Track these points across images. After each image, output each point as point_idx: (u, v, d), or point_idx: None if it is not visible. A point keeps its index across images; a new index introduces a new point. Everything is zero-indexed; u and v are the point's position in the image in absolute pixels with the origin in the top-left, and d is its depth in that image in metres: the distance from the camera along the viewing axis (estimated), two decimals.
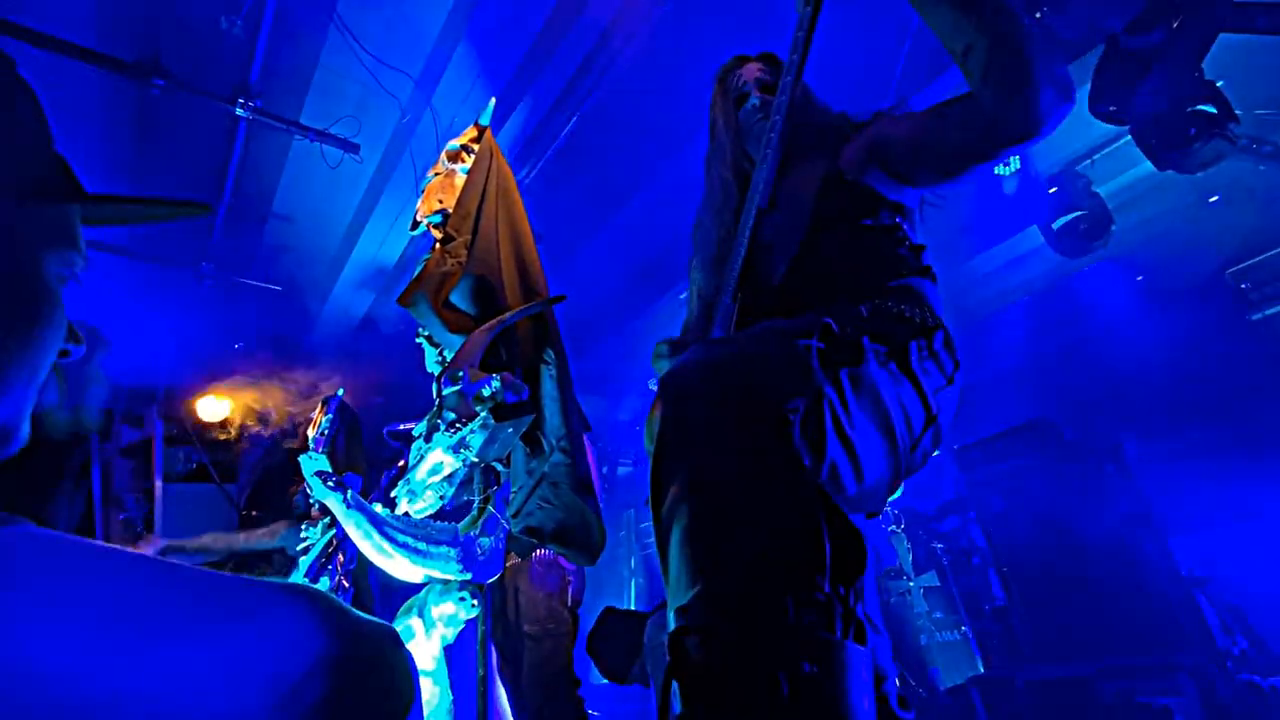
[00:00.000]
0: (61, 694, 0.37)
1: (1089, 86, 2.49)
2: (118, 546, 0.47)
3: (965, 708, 3.11)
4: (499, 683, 1.99)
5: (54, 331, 0.53)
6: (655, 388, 0.83)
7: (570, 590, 2.53)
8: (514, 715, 2.49)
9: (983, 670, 3.55)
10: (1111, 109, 2.43)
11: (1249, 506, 3.51)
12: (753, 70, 1.35)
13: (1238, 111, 2.66)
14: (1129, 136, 3.46)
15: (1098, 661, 2.84)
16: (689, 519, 0.69)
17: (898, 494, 1.12)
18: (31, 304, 0.51)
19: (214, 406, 4.88)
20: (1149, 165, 2.64)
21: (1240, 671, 2.91)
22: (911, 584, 4.27)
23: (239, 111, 2.94)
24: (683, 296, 4.65)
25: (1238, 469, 3.61)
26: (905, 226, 1.15)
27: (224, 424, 4.93)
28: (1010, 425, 3.55)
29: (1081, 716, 2.76)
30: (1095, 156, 3.83)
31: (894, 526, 4.40)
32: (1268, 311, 3.43)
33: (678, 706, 0.63)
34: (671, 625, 0.66)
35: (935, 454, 1.03)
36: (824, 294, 1.04)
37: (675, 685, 0.63)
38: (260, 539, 3.29)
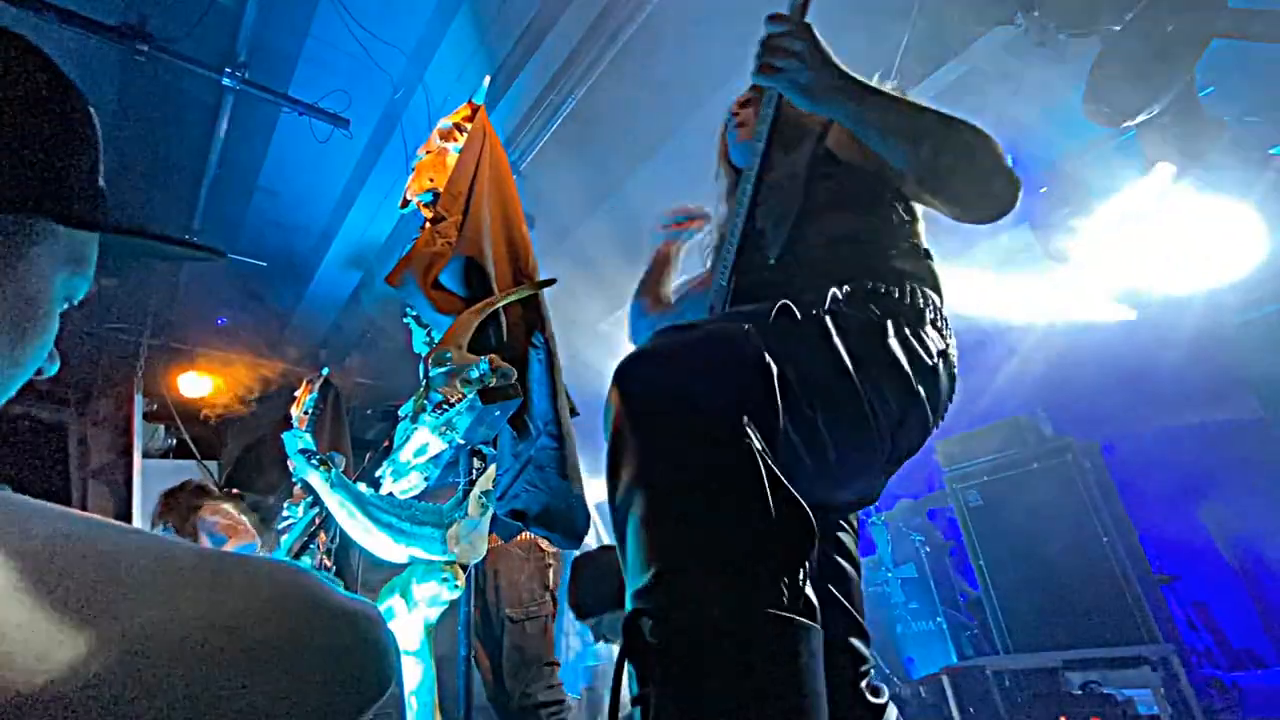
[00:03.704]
0: (24, 658, 0.36)
1: (1083, 86, 2.50)
2: (94, 515, 0.46)
3: (937, 696, 3.19)
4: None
5: (41, 352, 0.53)
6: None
7: (551, 574, 2.55)
8: (492, 696, 2.51)
9: (955, 660, 3.63)
10: (1104, 110, 2.45)
11: (1220, 506, 3.60)
12: (733, 105, 1.42)
13: (1225, 118, 2.69)
14: (1121, 138, 3.49)
15: (1066, 653, 2.91)
16: (642, 504, 0.70)
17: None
18: (29, 324, 0.50)
19: (195, 382, 4.82)
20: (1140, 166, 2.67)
21: (1203, 666, 3.00)
22: (890, 574, 4.35)
23: (226, 81, 2.87)
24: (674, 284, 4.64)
25: (1211, 470, 3.70)
26: (899, 205, 1.15)
27: (205, 400, 4.88)
28: (991, 421, 3.61)
29: (1048, 706, 2.83)
30: (1087, 157, 3.85)
31: (875, 518, 4.47)
32: (1247, 316, 3.49)
33: (633, 688, 0.64)
34: (628, 607, 0.67)
35: (928, 439, 1.03)
36: (815, 276, 1.04)
37: (630, 668, 0.64)
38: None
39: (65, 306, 0.55)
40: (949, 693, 3.10)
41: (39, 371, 0.55)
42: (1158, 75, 2.29)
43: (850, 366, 0.89)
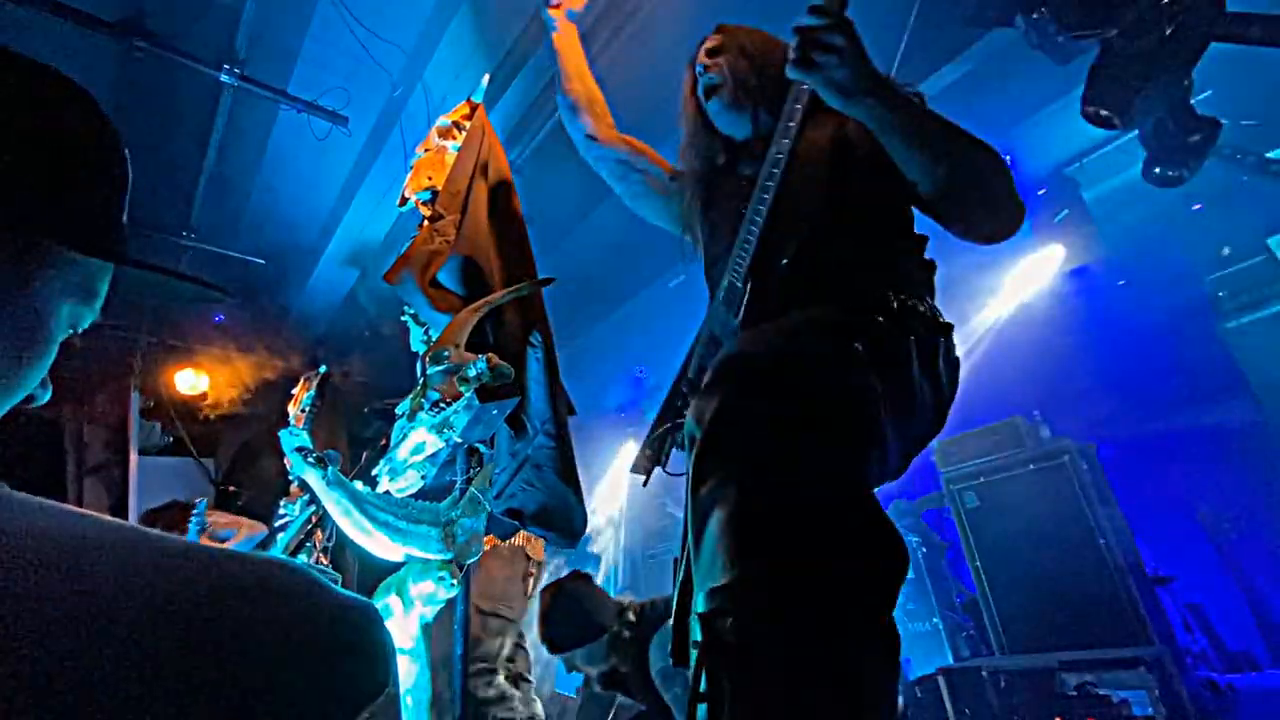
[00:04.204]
0: (21, 660, 0.36)
1: (1082, 89, 2.50)
2: (90, 511, 0.46)
3: (933, 696, 3.19)
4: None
5: (35, 378, 0.52)
6: (710, 369, 0.85)
7: (531, 582, 2.49)
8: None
9: (951, 661, 3.64)
10: (1102, 113, 2.45)
11: (1214, 508, 3.61)
12: (701, 49, 1.36)
13: (1224, 121, 2.70)
14: (1118, 141, 3.50)
15: (1062, 654, 2.92)
16: (733, 504, 0.70)
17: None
18: (28, 348, 0.50)
19: (192, 380, 4.81)
20: (1136, 170, 2.67)
21: (1198, 668, 3.01)
22: None
23: (224, 78, 2.87)
24: (672, 285, 4.64)
25: (1205, 472, 3.71)
26: (912, 214, 1.17)
27: (202, 398, 4.86)
28: (989, 422, 3.61)
29: (1043, 706, 2.84)
30: (1084, 160, 3.87)
31: None
32: (1242, 320, 3.50)
33: (704, 685, 0.64)
34: (703, 606, 0.67)
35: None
36: (836, 279, 1.05)
37: (704, 664, 0.65)
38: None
39: (68, 334, 0.55)
40: (945, 693, 3.11)
41: (29, 399, 0.54)
42: (1156, 78, 2.29)
43: (916, 385, 0.95)
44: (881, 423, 0.83)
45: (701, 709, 0.63)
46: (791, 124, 1.08)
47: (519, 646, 2.43)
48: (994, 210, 1.04)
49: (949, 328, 1.06)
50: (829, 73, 0.96)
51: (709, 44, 1.34)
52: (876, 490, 1.08)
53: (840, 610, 0.64)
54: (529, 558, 2.47)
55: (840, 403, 0.78)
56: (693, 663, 0.66)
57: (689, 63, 1.39)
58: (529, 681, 2.40)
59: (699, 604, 0.68)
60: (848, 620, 0.63)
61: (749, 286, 1.09)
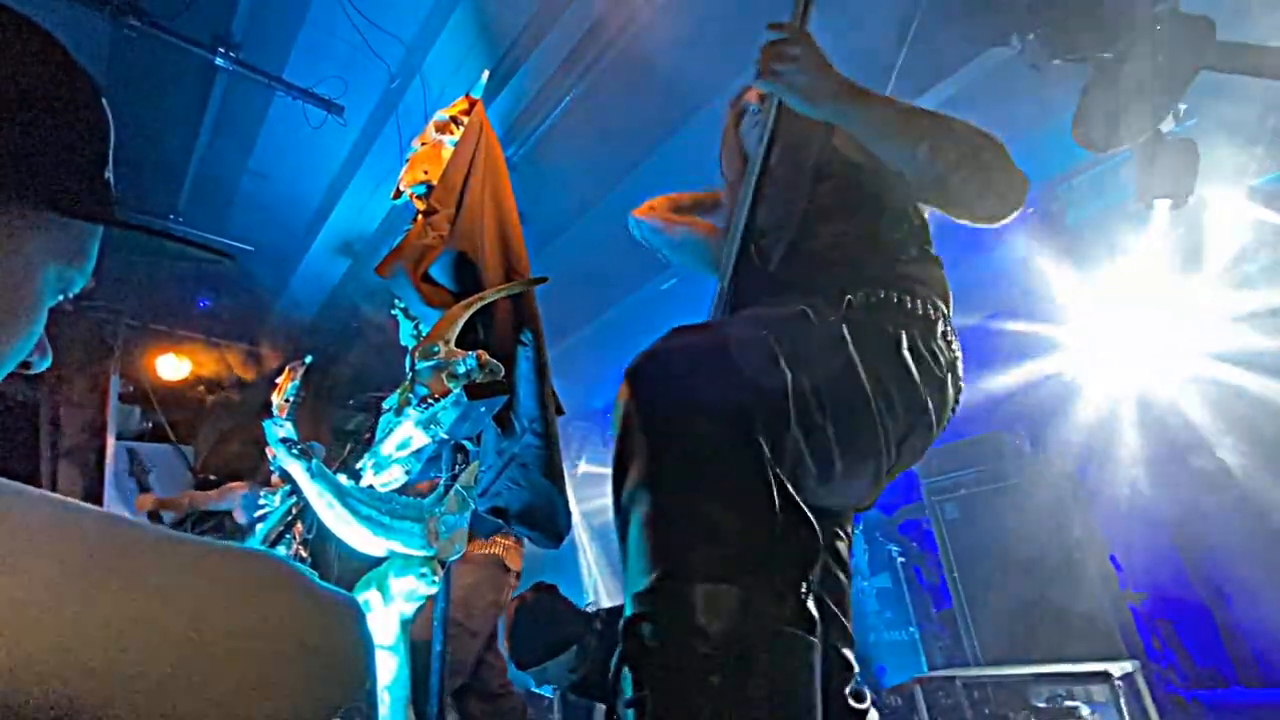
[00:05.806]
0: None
1: (1073, 112, 2.54)
2: (68, 499, 0.45)
3: (908, 705, 3.22)
4: None
5: (26, 345, 0.51)
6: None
7: (506, 592, 2.44)
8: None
9: (926, 670, 3.67)
10: (1093, 136, 2.49)
11: (1190, 528, 3.68)
12: (752, 89, 1.37)
13: (1208, 149, 2.75)
14: (1106, 163, 3.56)
15: (1034, 666, 2.96)
16: (648, 506, 0.70)
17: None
18: (12, 314, 0.48)
19: (174, 365, 4.74)
20: (1124, 192, 2.72)
21: (1166, 684, 3.06)
22: (866, 584, 4.39)
23: (219, 61, 2.83)
24: (664, 287, 4.64)
25: (1182, 493, 3.77)
26: (909, 210, 1.14)
27: (183, 383, 4.80)
28: (972, 435, 3.65)
29: (1016, 717, 2.88)
30: (1074, 180, 3.92)
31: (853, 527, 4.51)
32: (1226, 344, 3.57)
33: (628, 691, 0.64)
34: (628, 611, 0.67)
35: (928, 449, 1.03)
36: (820, 279, 1.03)
37: (627, 671, 0.64)
38: (210, 501, 3.18)
39: (58, 299, 0.53)
40: (920, 702, 3.14)
41: (26, 365, 0.52)
42: (1145, 104, 2.34)
43: (864, 378, 0.89)
44: (788, 416, 0.78)
45: (629, 715, 0.63)
46: (763, 132, 1.12)
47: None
48: (989, 184, 1.03)
49: (931, 321, 1.00)
50: (790, 79, 1.03)
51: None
52: (872, 493, 1.06)
53: (757, 612, 0.63)
54: (508, 570, 2.43)
55: (743, 393, 0.77)
56: (612, 669, 0.66)
57: (731, 102, 1.42)
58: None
59: (626, 609, 0.68)
60: (766, 621, 0.63)
61: (731, 287, 1.10)
